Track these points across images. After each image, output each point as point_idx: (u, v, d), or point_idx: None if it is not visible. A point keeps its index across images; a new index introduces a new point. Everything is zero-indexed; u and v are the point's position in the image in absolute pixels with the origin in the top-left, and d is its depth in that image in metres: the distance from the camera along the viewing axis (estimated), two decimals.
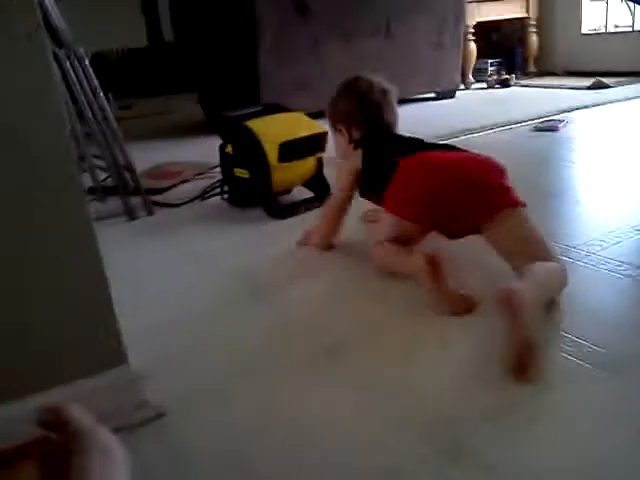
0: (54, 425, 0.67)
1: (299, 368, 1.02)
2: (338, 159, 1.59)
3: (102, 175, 2.01)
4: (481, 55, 4.43)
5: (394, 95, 1.54)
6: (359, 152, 1.44)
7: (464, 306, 1.13)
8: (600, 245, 1.39)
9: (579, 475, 0.75)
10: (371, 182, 1.42)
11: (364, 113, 1.50)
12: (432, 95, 3.84)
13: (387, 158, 1.36)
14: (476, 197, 1.21)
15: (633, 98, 3.38)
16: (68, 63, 1.80)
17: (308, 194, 1.92)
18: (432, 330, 1.10)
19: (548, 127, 2.71)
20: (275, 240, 1.62)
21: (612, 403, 0.87)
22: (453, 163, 1.30)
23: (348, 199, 1.48)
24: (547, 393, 0.90)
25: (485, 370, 0.98)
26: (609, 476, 0.75)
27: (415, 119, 3.28)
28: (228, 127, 1.88)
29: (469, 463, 0.77)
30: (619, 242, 1.41)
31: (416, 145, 1.42)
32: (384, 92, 1.52)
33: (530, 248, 1.16)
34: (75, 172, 0.82)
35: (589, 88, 3.77)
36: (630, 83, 3.84)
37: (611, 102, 3.31)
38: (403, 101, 3.65)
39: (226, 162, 1.86)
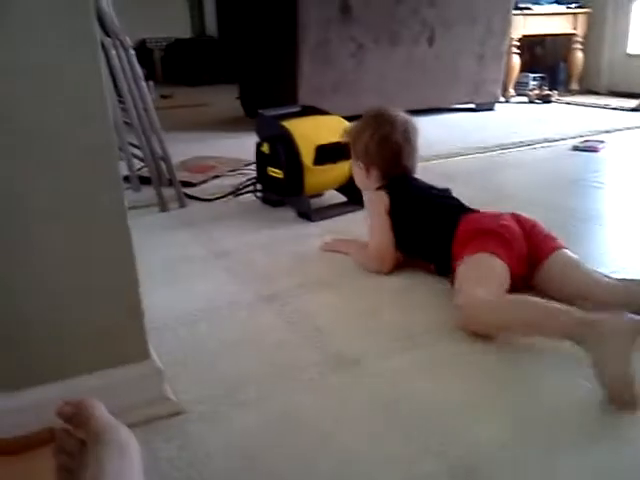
0: (75, 418, 0.68)
1: (318, 375, 1.02)
2: (358, 184, 1.60)
3: (139, 164, 2.04)
4: (524, 69, 4.37)
5: (416, 135, 1.52)
6: (384, 197, 1.43)
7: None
8: (624, 270, 1.36)
9: None
10: (414, 238, 1.40)
11: (383, 155, 1.48)
12: (471, 106, 3.80)
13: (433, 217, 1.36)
14: (533, 243, 1.24)
15: None
16: (114, 51, 1.82)
17: (341, 198, 1.91)
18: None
19: (587, 147, 2.66)
20: (303, 242, 1.62)
21: None
22: (503, 216, 1.30)
23: (391, 244, 1.42)
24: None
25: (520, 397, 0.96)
26: None
27: (452, 130, 3.26)
28: (266, 126, 1.88)
29: None
30: None
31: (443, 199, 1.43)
32: (406, 133, 1.49)
33: (588, 277, 1.18)
34: (114, 162, 0.83)
35: (633, 110, 3.69)
36: None
37: None
38: (441, 110, 3.64)
39: (261, 160, 1.87)
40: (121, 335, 0.89)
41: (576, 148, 2.68)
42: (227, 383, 1.00)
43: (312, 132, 1.77)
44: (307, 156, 1.72)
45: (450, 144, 2.78)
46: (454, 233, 1.28)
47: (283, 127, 1.78)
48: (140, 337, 0.92)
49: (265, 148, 1.82)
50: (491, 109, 3.82)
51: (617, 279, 1.20)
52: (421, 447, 0.84)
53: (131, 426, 0.82)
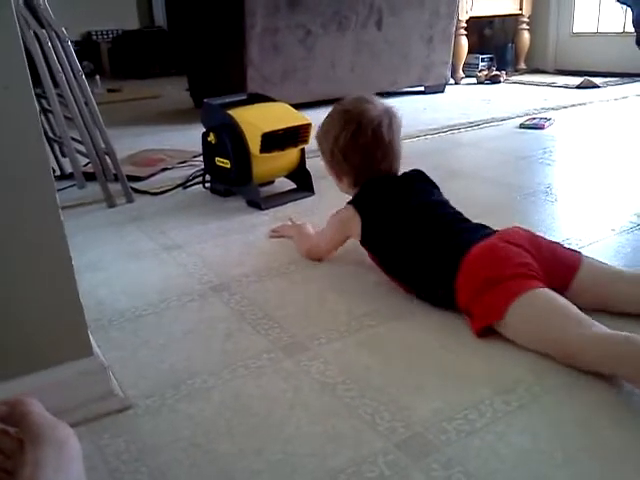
0: (10, 417, 0.66)
1: (269, 362, 1.01)
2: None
3: (84, 160, 1.99)
4: (472, 50, 4.42)
5: (393, 130, 1.30)
6: (354, 216, 1.26)
7: None
8: (577, 244, 1.40)
9: None
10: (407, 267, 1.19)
11: (352, 162, 1.30)
12: (421, 89, 3.83)
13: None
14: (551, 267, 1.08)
15: (620, 99, 3.39)
16: (50, 44, 1.77)
17: (291, 185, 1.91)
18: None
19: (533, 125, 2.71)
20: (253, 231, 1.61)
21: None
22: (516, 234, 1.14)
23: (328, 254, 1.39)
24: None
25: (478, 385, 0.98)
26: None
27: (403, 113, 3.26)
28: (211, 114, 1.86)
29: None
30: (595, 242, 1.42)
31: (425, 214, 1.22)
32: (377, 131, 1.27)
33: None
34: (44, 158, 0.81)
35: (578, 87, 3.78)
36: (618, 84, 3.85)
37: (600, 101, 3.32)
38: (392, 94, 3.65)
39: (208, 150, 1.85)
40: (60, 332, 0.87)
41: (522, 126, 2.73)
42: (175, 375, 0.99)
43: (258, 120, 1.75)
44: (254, 144, 1.71)
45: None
46: (458, 264, 1.07)
47: (228, 115, 1.76)
48: (81, 334, 0.90)
49: (212, 138, 1.80)
50: (441, 91, 3.86)
51: None
52: (370, 425, 0.85)
53: (77, 424, 0.81)
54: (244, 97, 2.00)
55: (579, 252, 1.14)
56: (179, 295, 1.27)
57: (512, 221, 1.22)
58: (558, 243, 1.17)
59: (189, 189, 2.02)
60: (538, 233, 1.17)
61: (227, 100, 1.91)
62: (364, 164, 1.30)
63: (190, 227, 1.67)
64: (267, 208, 1.77)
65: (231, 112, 1.77)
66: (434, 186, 1.33)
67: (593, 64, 4.20)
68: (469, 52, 4.34)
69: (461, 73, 4.33)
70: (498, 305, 1.00)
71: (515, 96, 3.70)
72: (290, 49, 3.16)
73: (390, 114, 1.32)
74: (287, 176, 1.91)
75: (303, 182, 1.88)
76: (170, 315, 1.19)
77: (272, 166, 1.82)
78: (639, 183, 1.90)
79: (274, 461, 0.79)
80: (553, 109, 3.14)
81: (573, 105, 3.24)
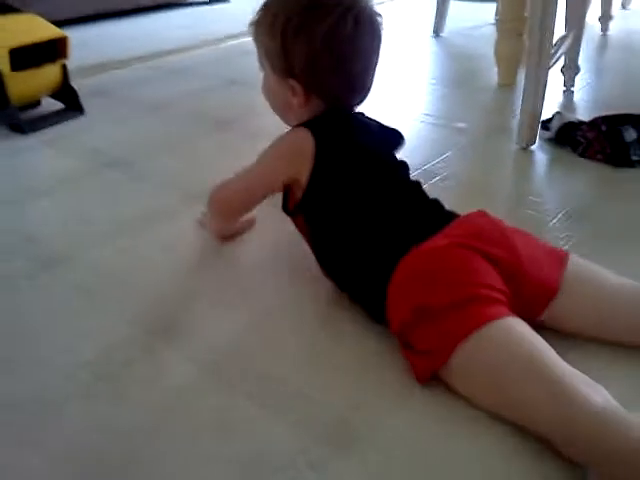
0: None
1: (26, 280, 1.01)
2: (275, 110, 0.99)
3: None
4: None
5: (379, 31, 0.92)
6: (309, 146, 0.86)
7: None
8: None
9: None
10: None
11: (346, 72, 0.89)
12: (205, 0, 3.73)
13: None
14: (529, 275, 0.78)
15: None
16: None
17: (59, 106, 1.81)
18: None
19: None
20: (20, 156, 1.53)
21: None
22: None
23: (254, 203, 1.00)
24: None
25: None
26: None
27: (187, 25, 3.16)
28: None
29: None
30: None
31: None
32: (376, 31, 0.91)
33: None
34: None
35: None
36: None
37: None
38: (175, 5, 3.50)
39: None
40: None
41: None
42: None
43: (3, 34, 1.61)
44: (3, 62, 1.57)
45: (184, 39, 2.74)
46: (393, 268, 0.77)
47: None
48: None
49: None
50: (226, 0, 3.78)
51: None
52: (117, 318, 0.89)
53: None
54: None
55: (565, 252, 0.82)
56: None
57: None
58: (536, 238, 0.85)
59: None
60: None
61: None
62: (355, 80, 0.92)
63: None
64: (32, 131, 1.67)
65: None
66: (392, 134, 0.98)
67: None
68: None
69: None
70: (441, 343, 0.70)
71: None
72: None
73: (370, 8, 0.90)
74: (52, 96, 1.80)
75: (70, 101, 1.79)
76: None
77: (30, 85, 1.70)
78: (422, 83, 2.07)
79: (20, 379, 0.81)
80: None
81: None
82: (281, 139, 0.91)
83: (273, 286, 0.96)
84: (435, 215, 0.85)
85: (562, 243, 1.04)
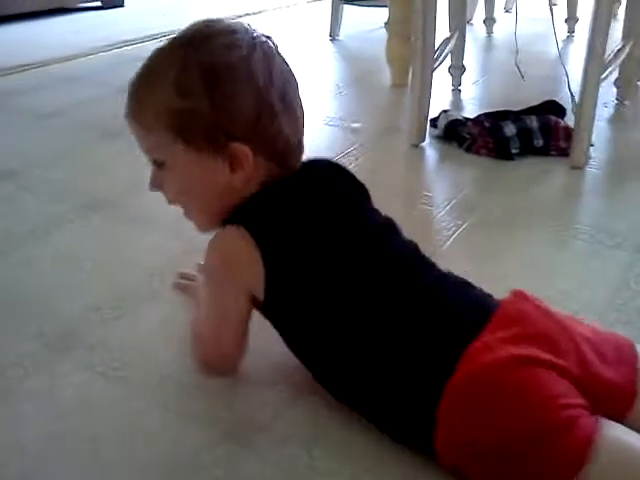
0: None
1: None
2: (190, 212, 0.76)
3: None
4: None
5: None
6: (247, 248, 0.66)
7: None
8: None
9: None
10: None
11: (275, 130, 0.69)
12: (98, 4, 3.62)
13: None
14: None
15: (292, 6, 3.62)
16: None
17: None
18: None
19: None
20: None
21: None
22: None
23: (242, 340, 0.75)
24: None
25: None
26: None
27: (77, 31, 3.06)
28: None
29: None
30: None
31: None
32: (287, 82, 0.72)
33: None
34: None
35: None
36: None
37: (273, 9, 3.50)
38: (65, 10, 3.36)
39: None
40: None
41: None
42: None
43: None
44: None
45: (74, 46, 2.64)
46: (440, 391, 0.59)
47: None
48: None
49: None
50: (120, 5, 3.69)
51: None
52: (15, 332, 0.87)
53: None
54: None
55: (630, 342, 0.68)
56: None
57: None
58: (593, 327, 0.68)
59: None
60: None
61: None
62: (286, 141, 0.71)
63: None
64: None
65: None
66: (358, 185, 0.78)
67: None
68: None
69: None
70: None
71: (194, 7, 3.71)
72: None
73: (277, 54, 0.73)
74: None
75: None
76: None
77: None
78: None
79: None
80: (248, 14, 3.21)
81: (274, 9, 3.37)
82: (211, 256, 0.70)
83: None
84: (461, 296, 0.67)
85: (451, 232, 1.11)
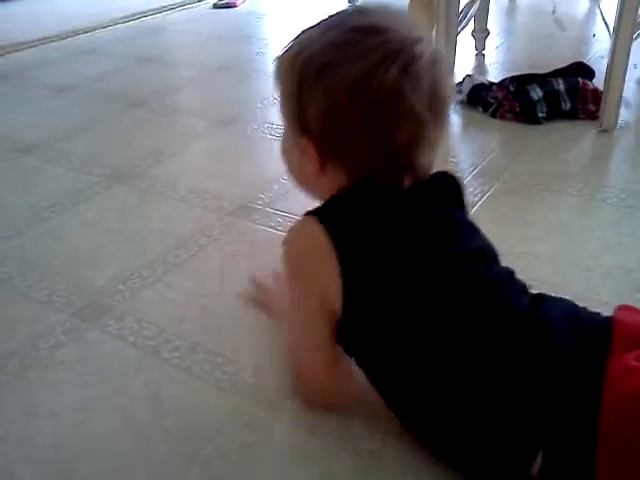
0: None
1: None
2: (290, 176, 0.73)
3: None
4: None
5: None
6: (325, 249, 0.60)
7: None
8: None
9: None
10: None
11: (378, 139, 0.62)
12: None
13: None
14: None
15: None
16: None
17: None
18: None
19: (226, 4, 2.74)
20: None
21: None
22: None
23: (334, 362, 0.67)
24: None
25: None
26: None
27: (90, 2, 3.04)
28: None
29: None
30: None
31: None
32: (435, 90, 0.61)
33: None
34: None
35: None
36: None
37: None
38: None
39: None
40: None
41: (215, 6, 2.75)
42: None
43: None
44: None
45: (90, 18, 2.62)
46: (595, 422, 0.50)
47: None
48: None
49: None
50: None
51: None
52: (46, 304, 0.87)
53: None
54: None
55: None
56: None
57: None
58: None
59: None
60: None
61: None
62: (398, 152, 0.63)
63: None
64: None
65: None
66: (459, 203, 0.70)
67: None
68: None
69: None
70: None
71: None
72: None
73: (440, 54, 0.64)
74: None
75: None
76: None
77: None
78: None
79: None
80: None
81: None
82: (287, 251, 0.65)
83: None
84: (570, 317, 0.59)
85: (477, 198, 1.09)
